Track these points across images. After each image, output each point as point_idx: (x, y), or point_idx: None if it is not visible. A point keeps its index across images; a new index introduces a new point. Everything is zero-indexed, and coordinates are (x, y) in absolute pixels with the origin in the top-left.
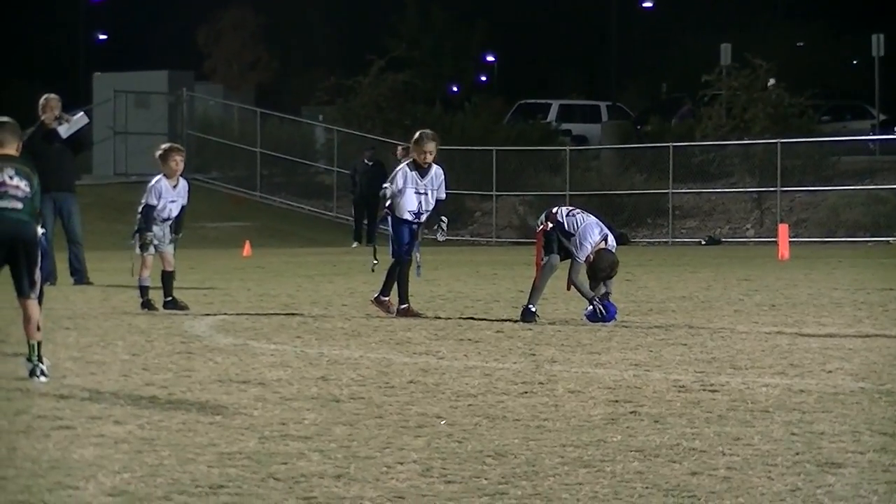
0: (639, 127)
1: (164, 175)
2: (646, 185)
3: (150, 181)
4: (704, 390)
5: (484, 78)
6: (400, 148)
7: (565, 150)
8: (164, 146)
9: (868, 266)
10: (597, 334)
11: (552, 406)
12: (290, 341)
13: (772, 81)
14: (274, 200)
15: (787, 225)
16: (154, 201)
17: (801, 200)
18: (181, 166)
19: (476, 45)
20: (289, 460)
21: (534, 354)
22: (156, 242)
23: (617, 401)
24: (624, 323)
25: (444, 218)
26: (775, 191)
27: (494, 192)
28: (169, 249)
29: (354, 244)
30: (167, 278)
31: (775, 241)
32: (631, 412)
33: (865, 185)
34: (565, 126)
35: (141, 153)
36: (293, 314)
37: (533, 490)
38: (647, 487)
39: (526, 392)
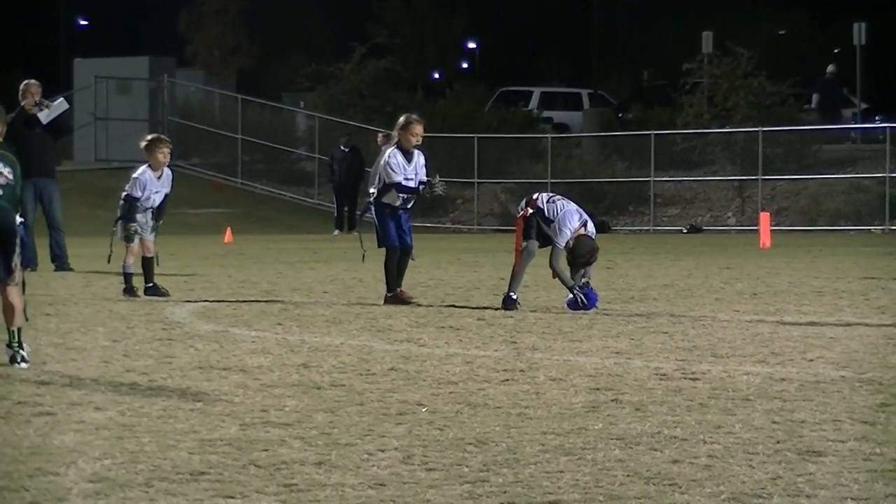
0: (620, 115)
1: (150, 166)
2: (627, 172)
3: (134, 171)
4: (685, 378)
5: (466, 65)
6: (380, 135)
7: (547, 137)
8: (149, 137)
9: (849, 254)
10: (578, 322)
11: (533, 394)
12: (271, 328)
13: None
14: (255, 187)
15: (768, 213)
16: (138, 193)
17: (783, 189)
18: (168, 158)
19: (457, 32)
20: (270, 447)
21: (515, 342)
22: (138, 230)
23: (598, 388)
24: (605, 311)
25: (436, 176)
26: (757, 179)
27: (476, 180)
28: (150, 236)
29: (336, 231)
30: (147, 264)
31: (757, 230)
32: (612, 400)
33: (847, 173)
34: (547, 114)
35: (122, 139)
36: (274, 301)
37: (514, 477)
38: (627, 475)
39: (507, 380)
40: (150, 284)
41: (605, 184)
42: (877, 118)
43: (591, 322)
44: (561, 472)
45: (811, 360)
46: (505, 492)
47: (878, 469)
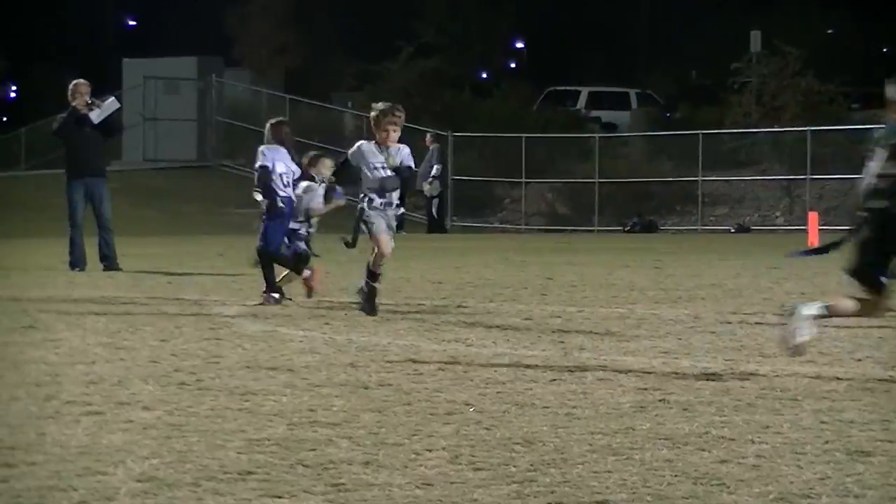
0: (668, 114)
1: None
2: (675, 172)
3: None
4: (733, 378)
5: (513, 64)
6: (429, 135)
7: (594, 137)
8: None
9: None
10: (625, 322)
11: (581, 394)
12: (318, 328)
13: None
14: None
15: (816, 213)
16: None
17: (831, 188)
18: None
19: (505, 31)
20: (317, 447)
21: (562, 342)
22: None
23: (646, 388)
24: (653, 311)
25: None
26: (805, 178)
27: (524, 180)
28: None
29: None
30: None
31: (805, 230)
32: (660, 400)
33: None
34: (595, 113)
35: (170, 139)
36: (322, 300)
37: (562, 477)
38: (675, 475)
39: (554, 379)
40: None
41: (653, 183)
42: None
43: (639, 322)
44: (608, 472)
45: (859, 360)
46: (553, 492)
47: None
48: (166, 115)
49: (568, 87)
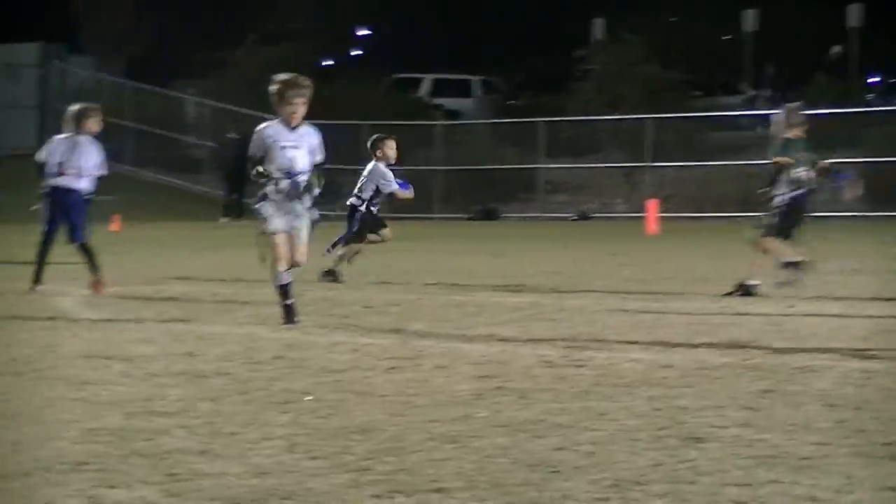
0: (510, 102)
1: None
2: (517, 159)
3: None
4: (570, 365)
5: (359, 52)
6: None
7: (437, 124)
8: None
9: (736, 241)
10: (464, 309)
11: (419, 382)
12: (156, 316)
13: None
14: (145, 174)
15: (656, 200)
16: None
17: (672, 176)
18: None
19: (350, 19)
20: (153, 436)
21: (401, 330)
22: None
23: (484, 376)
24: (493, 298)
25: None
26: (645, 166)
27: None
28: None
29: (223, 219)
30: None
31: (644, 217)
32: (497, 387)
33: (735, 160)
34: (438, 100)
35: (9, 126)
36: (161, 289)
37: (399, 465)
38: (512, 462)
39: (393, 368)
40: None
41: (495, 171)
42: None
43: (478, 310)
44: (445, 459)
45: (695, 347)
46: (389, 480)
47: (760, 455)
48: (5, 101)
49: (412, 75)
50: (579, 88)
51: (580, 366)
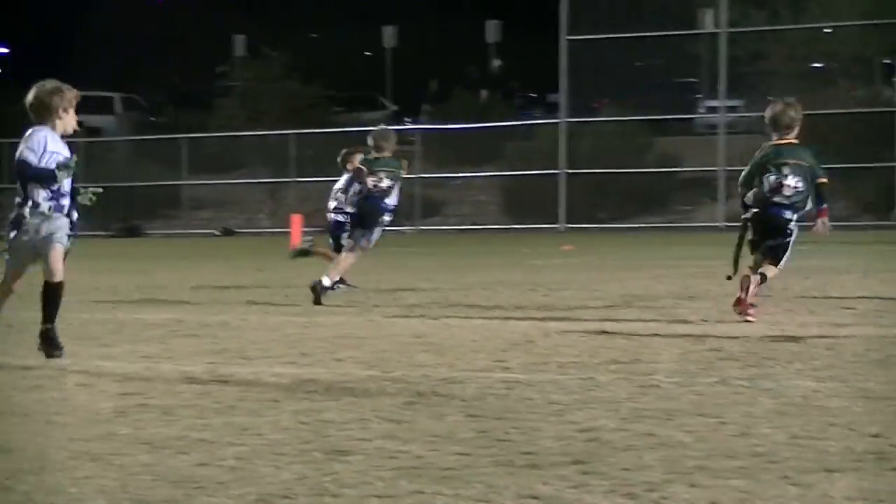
0: (153, 118)
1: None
2: (160, 176)
3: None
4: (214, 381)
5: None
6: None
7: (76, 142)
8: None
9: (385, 255)
10: (107, 327)
11: (61, 400)
12: None
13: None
14: None
15: (300, 215)
16: None
17: (315, 190)
18: None
19: None
20: None
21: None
22: None
23: (127, 393)
24: (135, 315)
25: None
26: (289, 181)
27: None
28: None
29: None
30: None
31: (289, 231)
32: (140, 404)
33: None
34: (79, 118)
35: None
36: None
37: (39, 485)
38: (155, 479)
39: (36, 386)
40: None
41: (138, 188)
42: (406, 120)
43: (120, 326)
44: (87, 477)
45: (340, 360)
46: (30, 500)
47: (403, 466)
48: None
49: None
50: (221, 104)
51: (224, 381)
